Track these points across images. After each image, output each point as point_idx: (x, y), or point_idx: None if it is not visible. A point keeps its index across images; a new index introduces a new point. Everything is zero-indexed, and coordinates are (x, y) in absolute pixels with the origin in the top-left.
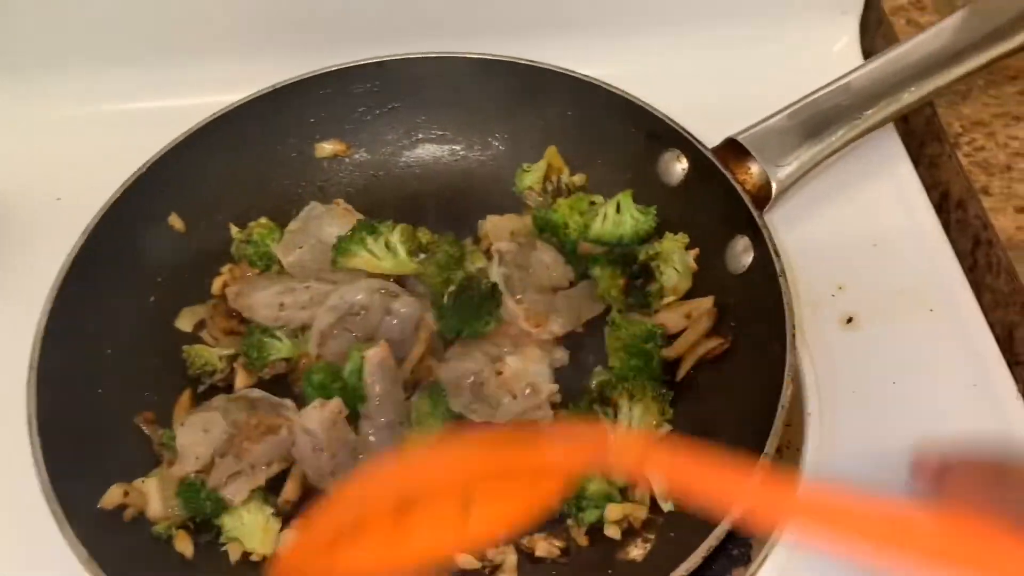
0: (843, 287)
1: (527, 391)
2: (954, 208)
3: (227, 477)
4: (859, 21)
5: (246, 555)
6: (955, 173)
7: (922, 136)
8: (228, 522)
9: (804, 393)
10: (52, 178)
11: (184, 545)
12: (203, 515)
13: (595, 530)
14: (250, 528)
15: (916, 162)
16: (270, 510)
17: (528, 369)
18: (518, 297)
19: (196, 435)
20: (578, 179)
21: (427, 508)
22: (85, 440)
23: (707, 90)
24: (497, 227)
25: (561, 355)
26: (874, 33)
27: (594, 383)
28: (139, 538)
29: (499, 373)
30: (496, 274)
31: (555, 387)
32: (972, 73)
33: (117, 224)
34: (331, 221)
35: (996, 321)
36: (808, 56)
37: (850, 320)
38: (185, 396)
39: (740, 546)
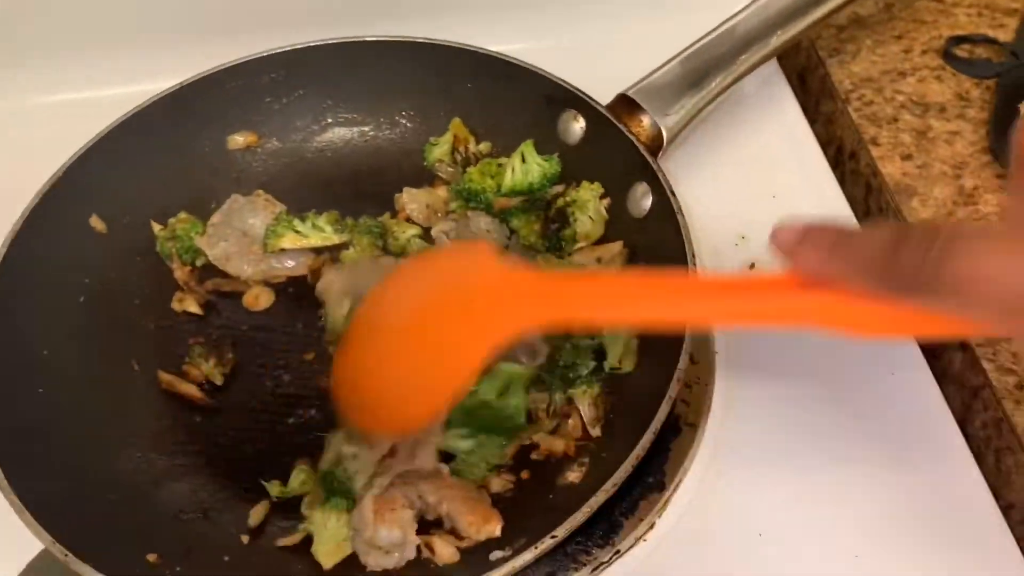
0: (745, 237)
1: None
2: (848, 159)
3: None
4: None
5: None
6: (847, 127)
7: (818, 95)
8: (317, 515)
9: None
10: None
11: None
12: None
13: (535, 464)
14: (329, 534)
15: (813, 119)
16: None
17: None
18: None
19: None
20: (484, 147)
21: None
22: (33, 440)
23: (603, 57)
24: (413, 198)
25: None
26: None
27: None
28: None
29: None
30: None
31: None
32: (830, 14)
33: (38, 230)
34: (253, 212)
35: (1002, 209)
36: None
37: (752, 267)
38: None
39: (655, 474)
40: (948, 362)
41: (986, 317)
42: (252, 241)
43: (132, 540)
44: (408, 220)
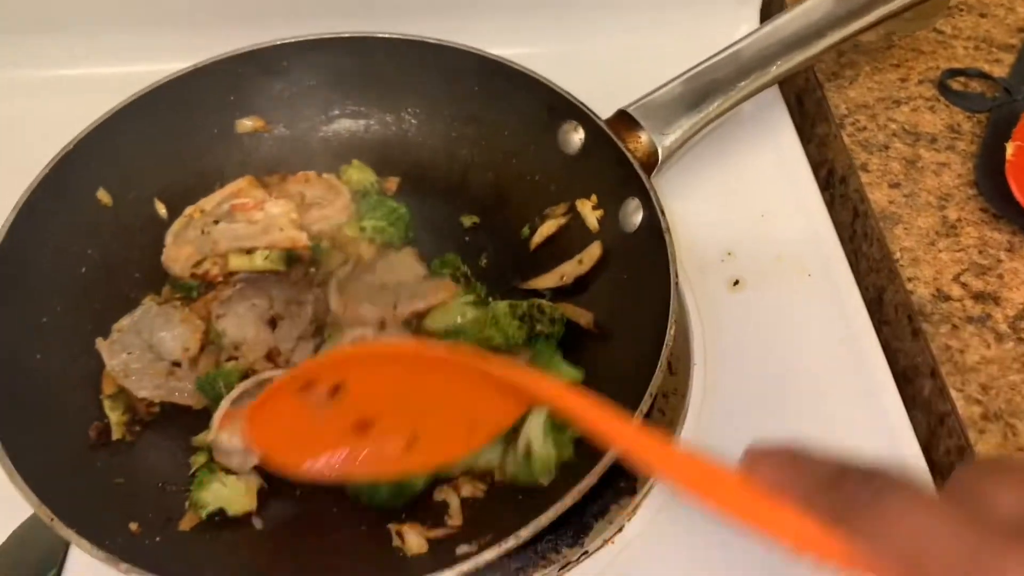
0: (732, 253)
1: None
2: (838, 183)
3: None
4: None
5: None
6: (839, 151)
7: (813, 117)
8: (206, 496)
9: (692, 347)
10: None
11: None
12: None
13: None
14: (233, 492)
15: (807, 141)
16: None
17: None
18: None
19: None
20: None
21: (380, 428)
22: (30, 403)
23: (609, 68)
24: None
25: None
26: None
27: None
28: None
29: None
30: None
31: None
32: (833, 46)
33: (48, 198)
34: (167, 324)
35: (870, 284)
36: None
37: (736, 283)
38: None
39: (626, 479)
40: (918, 389)
41: (891, 566)
42: (156, 358)
43: (116, 508)
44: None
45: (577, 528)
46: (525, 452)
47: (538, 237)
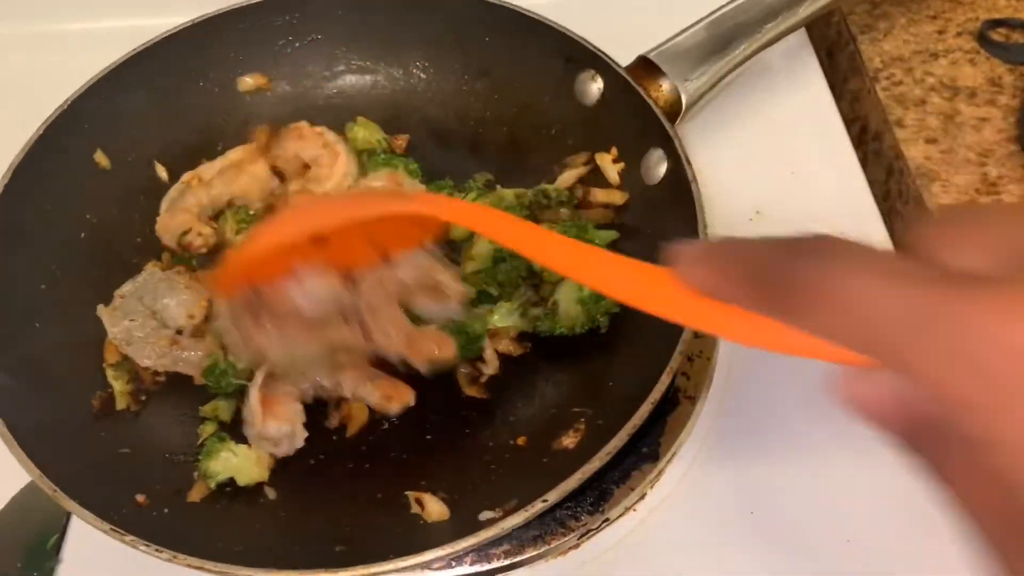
0: (760, 212)
1: None
2: (871, 140)
3: None
4: None
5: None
6: (873, 106)
7: (845, 72)
8: (215, 465)
9: None
10: None
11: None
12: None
13: (533, 430)
14: (243, 462)
15: (839, 96)
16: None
17: None
18: None
19: None
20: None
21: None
22: (29, 372)
23: (627, 13)
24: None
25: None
26: None
27: None
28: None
29: None
30: None
31: None
32: None
33: (43, 161)
34: (170, 291)
35: (907, 245)
36: None
37: None
38: None
39: (649, 444)
40: None
41: (848, 343)
42: (160, 325)
43: (122, 479)
44: None
45: (597, 495)
46: (553, 307)
47: (560, 184)
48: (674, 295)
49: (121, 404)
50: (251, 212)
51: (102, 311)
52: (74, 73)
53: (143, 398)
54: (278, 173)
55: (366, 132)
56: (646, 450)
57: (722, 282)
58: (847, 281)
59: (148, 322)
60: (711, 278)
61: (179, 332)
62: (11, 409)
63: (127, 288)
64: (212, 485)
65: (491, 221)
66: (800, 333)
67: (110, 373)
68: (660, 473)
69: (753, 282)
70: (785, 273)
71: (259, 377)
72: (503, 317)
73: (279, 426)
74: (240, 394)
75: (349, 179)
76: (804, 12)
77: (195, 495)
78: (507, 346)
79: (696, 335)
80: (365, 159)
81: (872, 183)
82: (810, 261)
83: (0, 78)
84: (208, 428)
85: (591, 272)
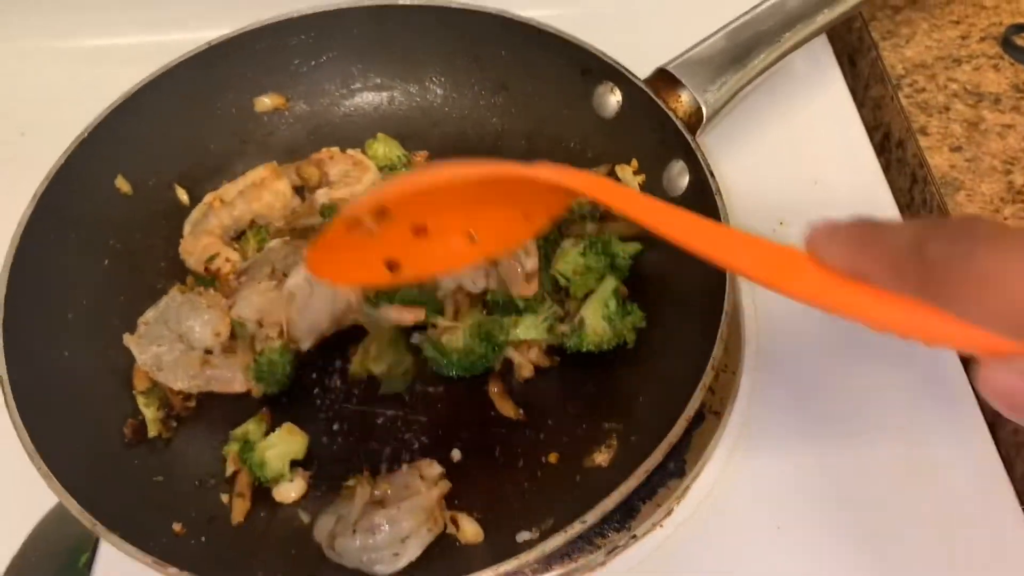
0: (784, 222)
1: None
2: (894, 147)
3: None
4: None
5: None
6: (896, 113)
7: (867, 78)
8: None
9: (743, 322)
10: (16, 113)
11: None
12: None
13: (564, 446)
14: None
15: (861, 103)
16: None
17: None
18: None
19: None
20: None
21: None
22: (62, 405)
23: (643, 25)
24: None
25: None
26: None
27: None
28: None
29: None
30: None
31: None
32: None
33: (66, 190)
34: (193, 313)
35: None
36: None
37: None
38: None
39: (675, 459)
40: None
41: (1003, 328)
42: (188, 348)
43: (158, 508)
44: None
45: (624, 511)
46: (579, 323)
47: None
48: (808, 274)
49: (153, 431)
50: (270, 232)
51: (128, 340)
52: (113, 88)
53: (174, 424)
54: (298, 190)
55: (386, 148)
56: (672, 466)
57: (863, 262)
58: (1001, 264)
59: (176, 345)
60: (850, 257)
61: (208, 352)
62: (48, 444)
63: (150, 315)
64: (263, 477)
65: (635, 202)
66: (942, 318)
67: (141, 400)
68: (687, 489)
69: (898, 263)
70: (935, 255)
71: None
72: (527, 329)
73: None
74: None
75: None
76: (822, 20)
77: (238, 514)
78: (536, 357)
79: (725, 350)
80: (387, 174)
81: (896, 192)
82: (960, 243)
83: (41, 91)
84: (233, 447)
85: (723, 251)
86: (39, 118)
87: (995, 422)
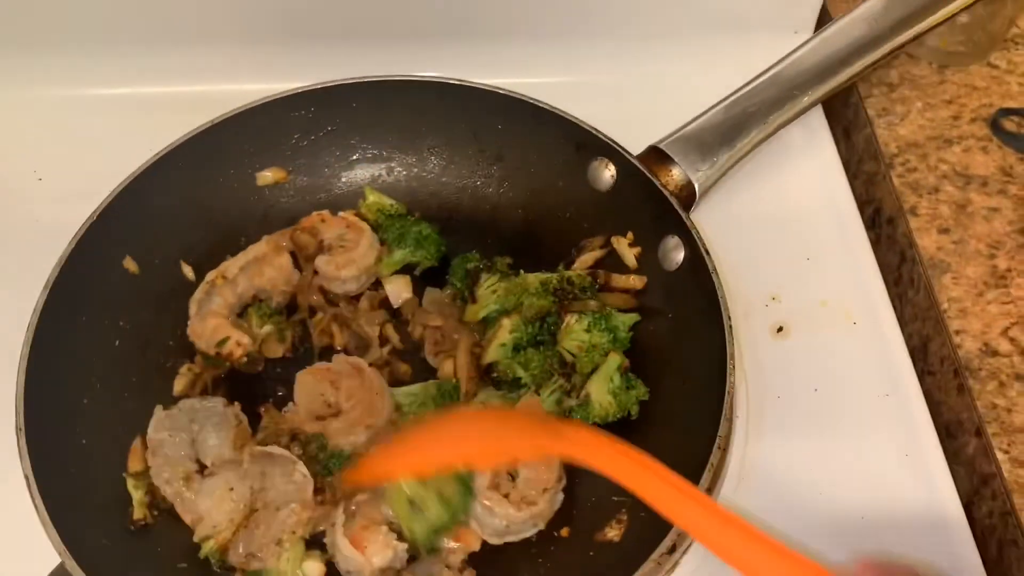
0: (776, 298)
1: None
2: (885, 224)
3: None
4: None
5: None
6: (888, 192)
7: (861, 154)
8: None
9: (734, 397)
10: (33, 157)
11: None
12: None
13: (575, 520)
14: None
15: (854, 176)
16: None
17: None
18: None
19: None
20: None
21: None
22: (78, 492)
23: (636, 97)
24: None
25: None
26: None
27: None
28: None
29: None
30: None
31: None
32: (862, 71)
33: (77, 274)
34: (216, 429)
35: (914, 332)
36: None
37: (780, 329)
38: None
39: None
40: (962, 445)
41: None
42: (188, 456)
43: None
44: None
45: None
46: (585, 398)
47: (579, 267)
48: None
49: (138, 514)
50: (272, 307)
51: (159, 411)
52: (130, 136)
53: (155, 512)
54: (297, 262)
55: (376, 196)
56: None
57: None
58: None
59: (181, 446)
60: None
61: (201, 469)
62: (70, 533)
63: (190, 402)
64: None
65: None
66: None
67: (130, 482)
68: (675, 564)
69: None
70: None
71: (340, 522)
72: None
73: (383, 554)
74: None
75: (373, 251)
76: (807, 101)
77: None
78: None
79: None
80: (385, 223)
81: (884, 267)
82: None
83: (57, 137)
84: (209, 545)
85: (739, 554)
86: (55, 163)
87: (970, 502)
